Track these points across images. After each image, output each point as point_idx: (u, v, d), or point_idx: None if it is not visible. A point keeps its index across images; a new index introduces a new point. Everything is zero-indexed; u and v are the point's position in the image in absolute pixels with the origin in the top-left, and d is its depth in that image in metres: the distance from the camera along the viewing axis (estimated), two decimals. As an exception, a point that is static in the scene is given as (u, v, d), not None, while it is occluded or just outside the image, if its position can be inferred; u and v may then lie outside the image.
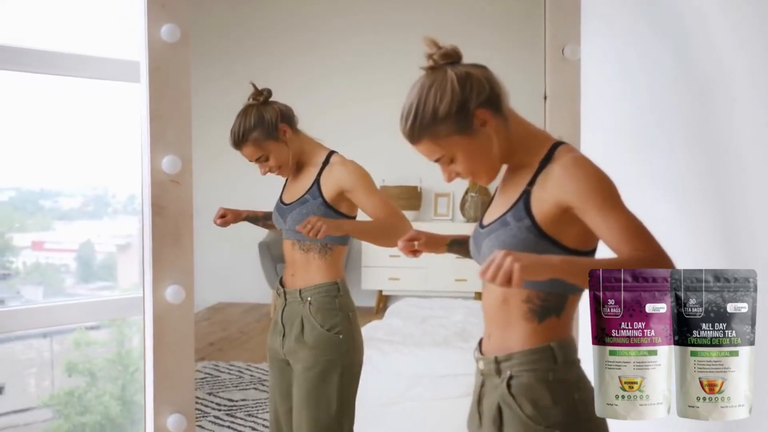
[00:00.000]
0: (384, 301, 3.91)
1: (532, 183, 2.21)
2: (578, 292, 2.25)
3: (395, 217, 3.21)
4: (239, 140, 3.23)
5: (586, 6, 3.04)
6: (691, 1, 3.16)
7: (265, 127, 3.22)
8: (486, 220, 2.31)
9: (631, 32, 3.35)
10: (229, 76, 3.44)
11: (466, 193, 3.78)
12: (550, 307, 2.21)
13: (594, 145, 2.77)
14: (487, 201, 3.56)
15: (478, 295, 3.70)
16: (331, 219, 3.17)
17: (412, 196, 3.74)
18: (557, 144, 2.27)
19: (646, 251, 2.03)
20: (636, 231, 2.07)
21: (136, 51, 2.84)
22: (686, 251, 3.12)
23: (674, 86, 3.21)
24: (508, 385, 2.22)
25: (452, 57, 2.23)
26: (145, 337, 2.74)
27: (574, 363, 2.25)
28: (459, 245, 2.59)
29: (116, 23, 3.61)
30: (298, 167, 3.28)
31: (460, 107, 2.18)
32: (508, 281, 1.90)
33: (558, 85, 2.98)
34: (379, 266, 3.35)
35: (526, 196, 2.20)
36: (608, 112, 3.34)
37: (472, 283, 3.78)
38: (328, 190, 3.19)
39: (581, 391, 2.20)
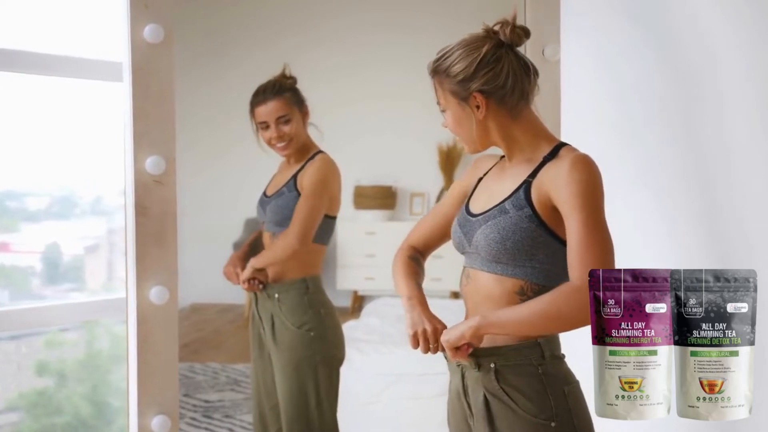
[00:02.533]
0: (359, 301, 3.90)
1: (533, 175, 2.25)
2: None
3: (288, 231, 3.26)
4: (272, 92, 3.26)
5: (565, 4, 3.06)
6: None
7: (298, 95, 3.30)
8: (477, 208, 2.34)
9: (614, 29, 3.36)
10: (217, 78, 3.43)
11: (441, 192, 3.78)
12: None
13: (576, 146, 2.77)
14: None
15: (454, 294, 3.72)
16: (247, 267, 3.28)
17: (387, 196, 3.74)
18: (562, 144, 2.31)
19: (581, 281, 2.10)
20: (593, 257, 2.11)
21: (116, 51, 2.82)
22: (671, 250, 3.15)
23: (659, 83, 3.23)
24: (497, 378, 2.25)
25: (510, 41, 2.31)
26: (129, 337, 2.73)
27: (560, 358, 2.29)
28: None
29: (96, 23, 3.59)
30: (292, 157, 3.30)
31: (464, 80, 2.26)
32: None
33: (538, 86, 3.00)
34: (355, 266, 3.35)
35: (526, 186, 2.24)
36: (590, 112, 3.35)
37: (446, 282, 3.78)
38: (300, 185, 3.21)
39: (569, 384, 2.25)
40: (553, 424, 2.20)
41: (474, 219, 2.31)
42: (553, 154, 2.26)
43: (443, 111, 2.35)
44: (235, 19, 3.53)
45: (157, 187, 2.67)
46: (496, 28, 2.30)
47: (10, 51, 3.11)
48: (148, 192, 2.67)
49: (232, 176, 3.40)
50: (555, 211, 2.20)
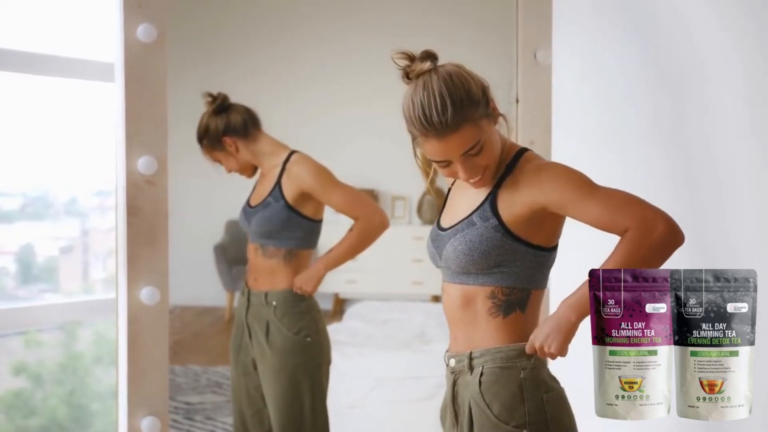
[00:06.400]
0: (341, 304, 3.91)
1: (498, 186, 2.24)
2: (542, 287, 2.29)
3: (367, 213, 3.22)
4: (203, 144, 3.26)
5: (557, 9, 3.07)
6: (666, 0, 3.21)
7: (210, 138, 3.24)
8: (446, 223, 2.32)
9: (605, 34, 3.38)
10: (208, 77, 3.43)
11: (423, 195, 3.80)
12: (513, 301, 2.24)
13: (566, 149, 2.78)
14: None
15: (435, 298, 3.73)
16: (306, 273, 3.22)
17: (369, 199, 3.75)
18: (522, 150, 2.30)
19: (634, 220, 2.08)
20: (617, 202, 2.12)
21: (106, 51, 2.81)
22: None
23: (649, 88, 3.25)
24: (479, 382, 2.24)
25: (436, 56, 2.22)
26: (119, 338, 2.71)
27: (544, 364, 2.28)
28: None
29: (85, 23, 3.57)
30: (263, 169, 3.27)
31: (483, 90, 2.19)
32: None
33: (530, 89, 3.00)
34: (336, 269, 3.34)
35: (492, 198, 2.23)
36: (581, 115, 3.37)
37: (428, 286, 3.80)
38: (289, 191, 3.18)
39: (549, 392, 2.24)
40: None
41: (444, 233, 2.30)
42: (514, 163, 2.26)
43: (479, 152, 2.19)
44: (227, 21, 3.53)
45: (148, 187, 2.66)
46: (431, 57, 2.20)
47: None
48: (140, 192, 2.66)
49: (215, 178, 3.39)
50: (528, 219, 2.20)
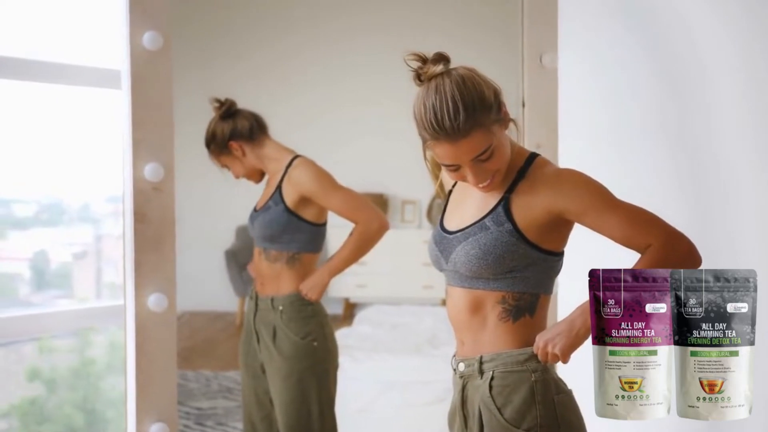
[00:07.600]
0: (351, 309, 3.90)
1: (510, 190, 2.23)
2: (549, 293, 2.28)
3: (365, 217, 3.23)
4: (211, 149, 3.27)
5: (563, 12, 3.07)
6: (670, 4, 3.21)
7: (217, 143, 3.26)
8: (453, 226, 2.30)
9: (610, 38, 3.38)
10: (214, 81, 3.43)
11: (433, 199, 3.80)
12: (523, 306, 2.23)
13: (572, 152, 2.77)
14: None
15: (445, 302, 3.73)
16: (311, 280, 3.23)
17: (379, 203, 3.75)
18: (534, 155, 2.29)
19: (659, 237, 2.11)
20: (642, 219, 2.14)
21: (110, 58, 2.82)
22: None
23: (654, 91, 3.25)
24: (490, 387, 2.23)
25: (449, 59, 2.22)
26: (127, 345, 2.72)
27: (552, 366, 2.27)
28: None
29: (90, 31, 3.59)
30: (268, 174, 3.29)
31: (495, 94, 2.18)
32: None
33: (536, 93, 3.00)
34: (346, 273, 3.34)
35: (505, 202, 2.21)
36: (587, 119, 3.37)
37: (438, 290, 3.79)
38: (289, 195, 3.19)
39: (560, 393, 2.23)
40: None
41: (451, 236, 2.28)
42: (526, 167, 2.25)
43: (489, 158, 2.17)
44: (231, 24, 3.54)
45: (155, 194, 2.67)
46: (444, 60, 2.19)
47: (2, 58, 3.11)
48: (147, 199, 2.67)
49: (225, 183, 3.40)
50: (543, 223, 2.19)
